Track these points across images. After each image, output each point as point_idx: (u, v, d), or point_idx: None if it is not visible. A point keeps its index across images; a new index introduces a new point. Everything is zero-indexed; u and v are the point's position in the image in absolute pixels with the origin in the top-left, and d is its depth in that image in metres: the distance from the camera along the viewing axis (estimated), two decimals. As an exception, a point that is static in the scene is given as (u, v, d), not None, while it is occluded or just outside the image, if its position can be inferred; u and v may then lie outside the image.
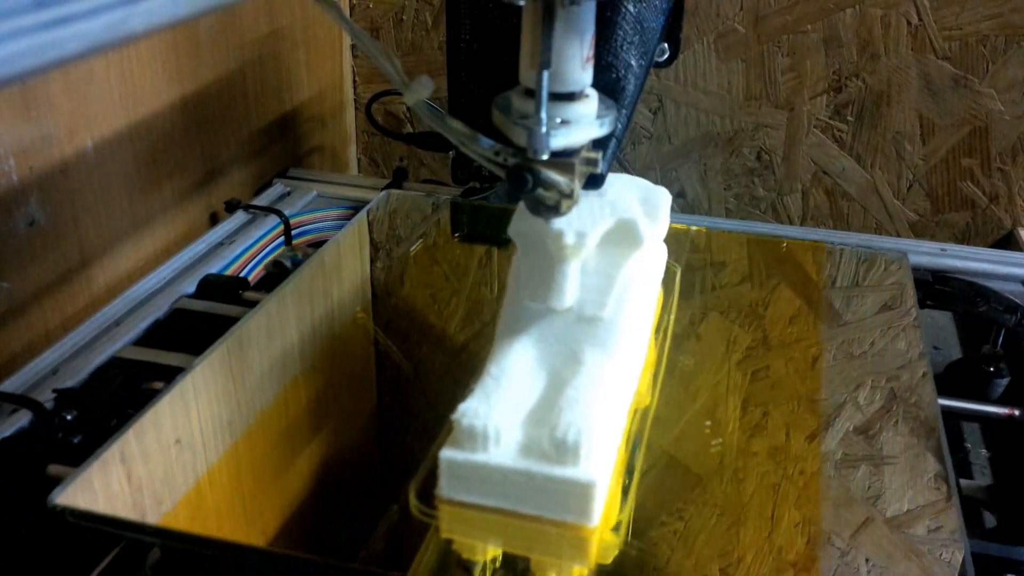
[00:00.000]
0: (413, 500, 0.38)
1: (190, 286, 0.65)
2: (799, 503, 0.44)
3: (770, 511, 0.44)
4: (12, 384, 0.54)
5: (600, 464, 0.37)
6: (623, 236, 0.44)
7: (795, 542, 0.42)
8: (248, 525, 0.48)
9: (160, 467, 0.46)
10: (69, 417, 0.50)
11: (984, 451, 0.56)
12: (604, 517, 0.38)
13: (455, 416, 0.38)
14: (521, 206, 0.46)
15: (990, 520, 0.51)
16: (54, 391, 0.52)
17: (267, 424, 0.51)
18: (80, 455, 0.43)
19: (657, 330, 0.51)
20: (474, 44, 0.53)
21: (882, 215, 0.93)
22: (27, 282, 0.61)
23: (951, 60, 0.85)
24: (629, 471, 0.43)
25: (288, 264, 0.68)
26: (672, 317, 0.53)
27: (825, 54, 0.87)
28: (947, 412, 0.51)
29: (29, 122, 0.59)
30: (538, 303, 0.43)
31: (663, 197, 0.49)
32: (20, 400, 0.51)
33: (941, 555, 0.42)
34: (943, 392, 0.52)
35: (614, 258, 0.44)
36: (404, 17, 0.97)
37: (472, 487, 0.37)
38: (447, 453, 0.37)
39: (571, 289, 0.42)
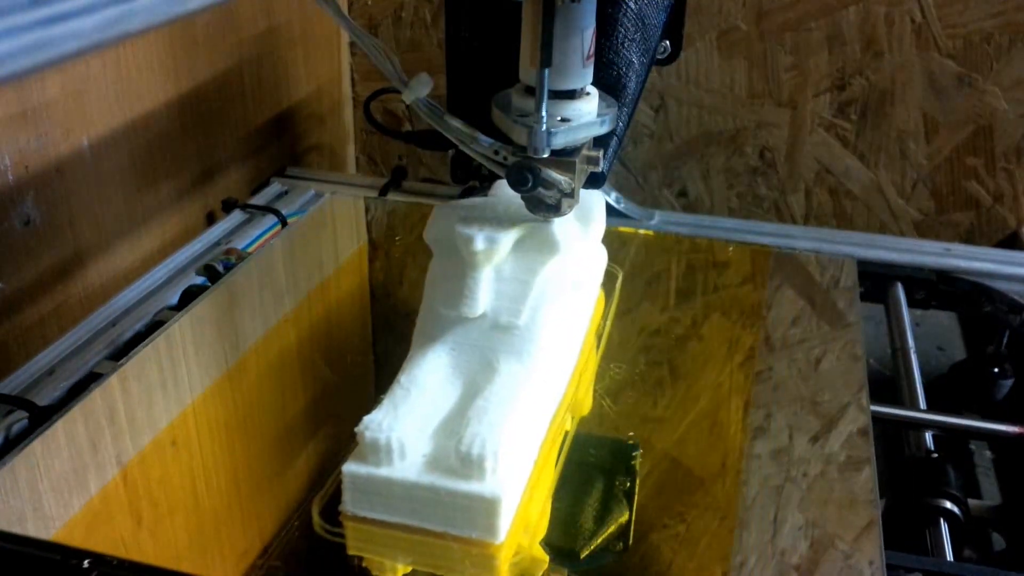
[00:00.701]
0: (316, 518, 0.37)
1: (174, 296, 0.63)
2: (802, 506, 0.44)
3: (773, 514, 0.43)
4: (8, 385, 0.53)
5: (509, 478, 0.36)
6: (540, 241, 0.43)
7: (798, 545, 0.42)
8: (244, 526, 0.48)
9: (157, 469, 0.45)
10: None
11: (988, 452, 0.56)
12: (524, 532, 0.37)
13: (359, 428, 0.36)
14: (436, 211, 0.45)
15: (999, 542, 0.50)
16: (27, 410, 0.50)
17: (264, 424, 0.51)
18: None
19: (597, 334, 0.49)
20: (474, 42, 0.52)
21: (886, 214, 0.92)
22: (23, 282, 0.60)
23: (955, 58, 0.84)
24: (626, 477, 0.42)
25: (220, 268, 0.66)
26: (610, 322, 0.51)
27: (828, 52, 0.87)
28: (955, 429, 0.51)
29: (25, 121, 0.58)
30: (452, 310, 0.41)
31: (595, 199, 0.47)
32: (16, 401, 0.51)
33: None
34: (948, 393, 0.51)
35: (531, 264, 0.43)
36: (403, 14, 0.97)
37: (377, 502, 0.36)
38: (350, 467, 0.36)
39: (484, 296, 0.41)
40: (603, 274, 0.50)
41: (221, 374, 0.51)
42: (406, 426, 0.37)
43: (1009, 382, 0.59)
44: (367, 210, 0.69)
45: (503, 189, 0.43)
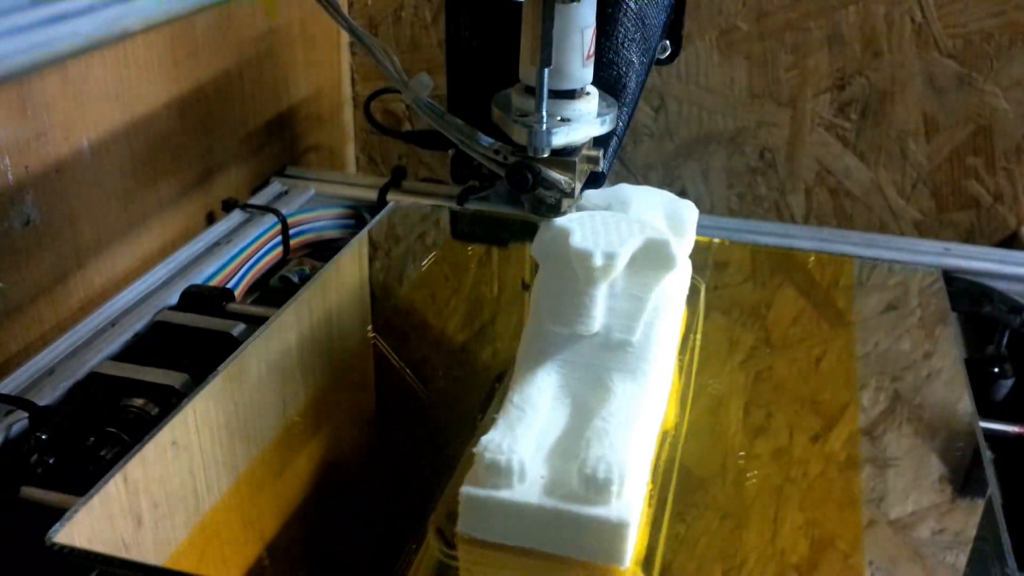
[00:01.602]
0: (434, 541, 0.37)
1: (174, 296, 0.63)
2: (802, 505, 0.44)
3: (773, 513, 0.43)
4: (8, 385, 0.53)
5: (632, 501, 0.35)
6: (653, 256, 0.42)
7: (798, 545, 0.42)
8: (244, 527, 0.48)
9: (157, 469, 0.45)
10: (44, 437, 0.48)
11: (990, 453, 0.55)
12: (635, 555, 0.36)
13: (477, 450, 0.36)
14: (543, 226, 0.44)
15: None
16: (27, 410, 0.50)
17: (270, 457, 0.50)
18: (54, 477, 0.42)
19: (683, 350, 0.49)
20: (474, 41, 0.52)
21: (886, 214, 0.92)
22: (23, 281, 0.60)
23: (955, 58, 0.84)
24: (661, 502, 0.42)
25: (295, 279, 0.68)
26: (698, 336, 0.51)
27: (828, 52, 0.87)
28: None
29: (25, 121, 0.58)
30: (563, 328, 0.41)
31: (690, 212, 0.47)
32: (16, 401, 0.51)
33: (945, 558, 0.41)
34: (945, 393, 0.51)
35: (644, 279, 0.42)
36: (403, 14, 0.97)
37: (495, 525, 0.36)
38: (469, 490, 0.36)
39: (599, 313, 0.41)
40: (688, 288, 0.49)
41: (221, 374, 0.51)
42: (523, 447, 0.36)
43: (1009, 382, 0.59)
44: (370, 229, 0.69)
45: (593, 199, 0.43)
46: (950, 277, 0.69)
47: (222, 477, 0.48)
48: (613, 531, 0.34)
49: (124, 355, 0.57)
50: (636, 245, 0.41)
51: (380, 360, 0.57)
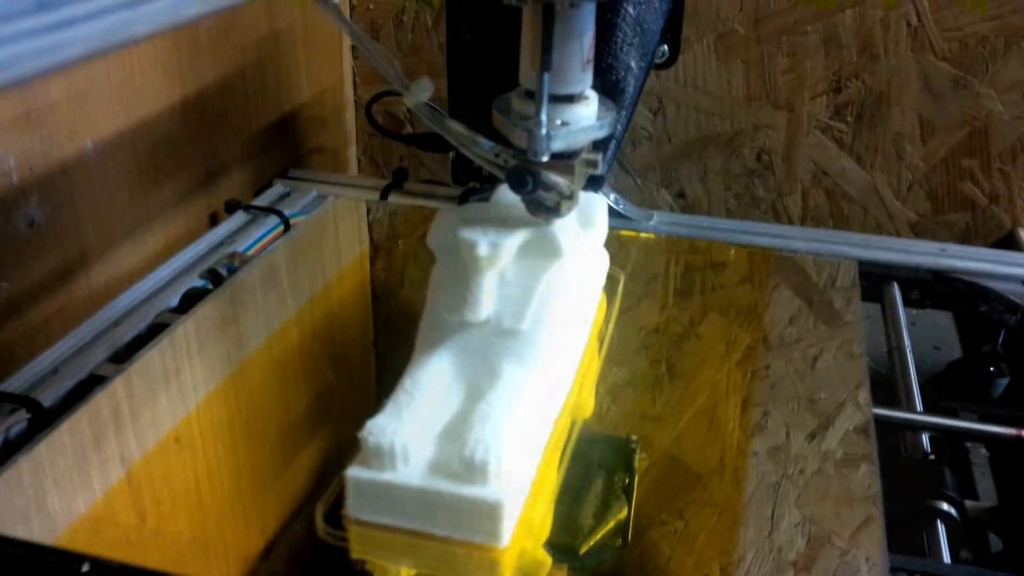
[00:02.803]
0: (320, 522, 0.38)
1: (174, 299, 0.63)
2: (799, 502, 0.44)
3: (770, 510, 0.43)
4: (12, 384, 0.53)
5: (512, 482, 0.36)
6: (543, 246, 0.43)
7: (795, 541, 0.42)
8: (247, 525, 0.48)
9: (161, 469, 0.46)
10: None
11: (985, 451, 0.56)
12: (528, 536, 0.37)
13: (362, 434, 0.37)
14: (439, 216, 0.45)
15: (995, 543, 0.51)
16: (30, 411, 0.50)
17: (267, 425, 0.51)
18: None
19: (599, 338, 0.50)
20: (474, 46, 0.53)
21: (882, 215, 0.93)
22: (27, 282, 0.61)
23: (951, 61, 0.85)
24: (626, 474, 0.43)
25: (223, 272, 0.66)
26: (612, 326, 0.51)
27: (825, 55, 0.87)
28: (952, 431, 0.51)
29: (30, 122, 0.59)
30: (455, 315, 0.41)
31: (598, 203, 0.47)
32: (20, 400, 0.51)
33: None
34: (944, 392, 0.52)
35: (534, 269, 0.43)
36: (404, 18, 0.97)
37: (381, 506, 0.36)
38: (354, 472, 0.36)
39: (487, 301, 0.41)
40: (605, 278, 0.50)
41: (225, 375, 0.51)
42: (409, 431, 0.37)
43: (1005, 381, 0.59)
44: (369, 212, 0.69)
45: (505, 194, 0.43)
46: (946, 277, 0.69)
47: (225, 476, 0.49)
48: (490, 511, 0.35)
49: (124, 356, 0.58)
50: (523, 235, 0.42)
51: (382, 358, 0.58)
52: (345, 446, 0.52)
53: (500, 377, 0.40)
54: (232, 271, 0.64)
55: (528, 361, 0.41)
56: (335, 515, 0.37)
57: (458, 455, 0.36)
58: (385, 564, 0.38)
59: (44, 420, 0.49)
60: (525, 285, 0.42)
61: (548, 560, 0.39)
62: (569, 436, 0.43)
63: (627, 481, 0.48)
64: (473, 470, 0.35)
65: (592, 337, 0.48)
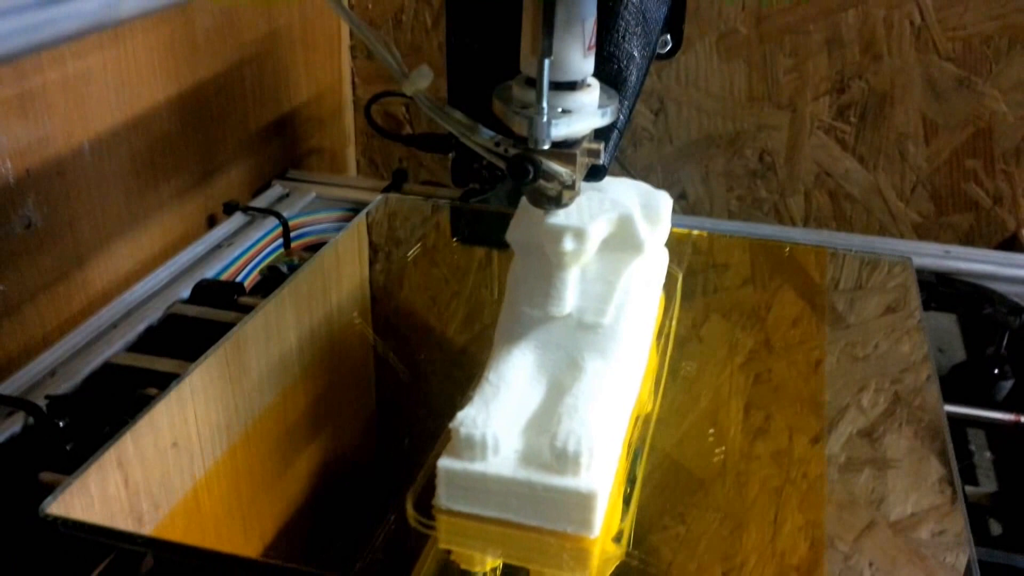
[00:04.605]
0: (411, 510, 0.38)
1: (186, 290, 0.64)
2: (802, 507, 0.44)
3: (773, 515, 0.43)
4: (9, 387, 0.53)
5: (601, 474, 0.36)
6: (624, 241, 0.44)
7: (798, 546, 0.42)
8: (245, 531, 0.48)
9: (157, 471, 0.45)
10: (62, 424, 0.50)
11: (988, 454, 0.56)
12: (605, 527, 0.37)
13: (453, 424, 0.37)
14: (519, 211, 0.46)
15: (996, 527, 0.51)
16: (46, 397, 0.51)
17: (264, 429, 0.51)
18: (73, 462, 0.43)
19: (659, 336, 0.51)
20: (474, 45, 0.52)
21: (886, 217, 0.92)
22: (23, 284, 0.60)
23: (954, 61, 0.84)
24: (631, 480, 0.43)
25: (284, 269, 0.68)
26: (674, 323, 0.53)
27: (828, 55, 0.87)
28: (952, 418, 0.51)
29: (26, 123, 0.58)
30: (537, 310, 0.42)
31: (664, 201, 0.48)
32: (17, 403, 0.51)
33: (945, 559, 0.41)
34: (948, 395, 0.51)
35: (615, 264, 0.44)
36: (403, 17, 0.97)
37: (471, 497, 0.37)
38: (445, 462, 0.37)
39: (571, 295, 0.42)
40: (666, 275, 0.51)
41: (222, 376, 0.51)
42: (497, 422, 0.37)
43: (1009, 383, 0.59)
44: (367, 212, 0.69)
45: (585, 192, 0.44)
46: (950, 279, 0.69)
47: (222, 479, 0.49)
48: (583, 501, 0.36)
49: (138, 346, 0.59)
50: (607, 230, 0.43)
51: (379, 358, 0.57)
52: (344, 449, 0.51)
53: (583, 371, 0.41)
54: (293, 268, 0.67)
55: (609, 355, 0.42)
56: (424, 504, 0.38)
57: (549, 446, 0.36)
58: (473, 554, 0.38)
59: (60, 409, 0.50)
60: (607, 280, 0.43)
61: (618, 552, 0.39)
62: (633, 430, 0.44)
63: (628, 490, 0.48)
64: (566, 461, 0.36)
65: (654, 334, 0.49)
